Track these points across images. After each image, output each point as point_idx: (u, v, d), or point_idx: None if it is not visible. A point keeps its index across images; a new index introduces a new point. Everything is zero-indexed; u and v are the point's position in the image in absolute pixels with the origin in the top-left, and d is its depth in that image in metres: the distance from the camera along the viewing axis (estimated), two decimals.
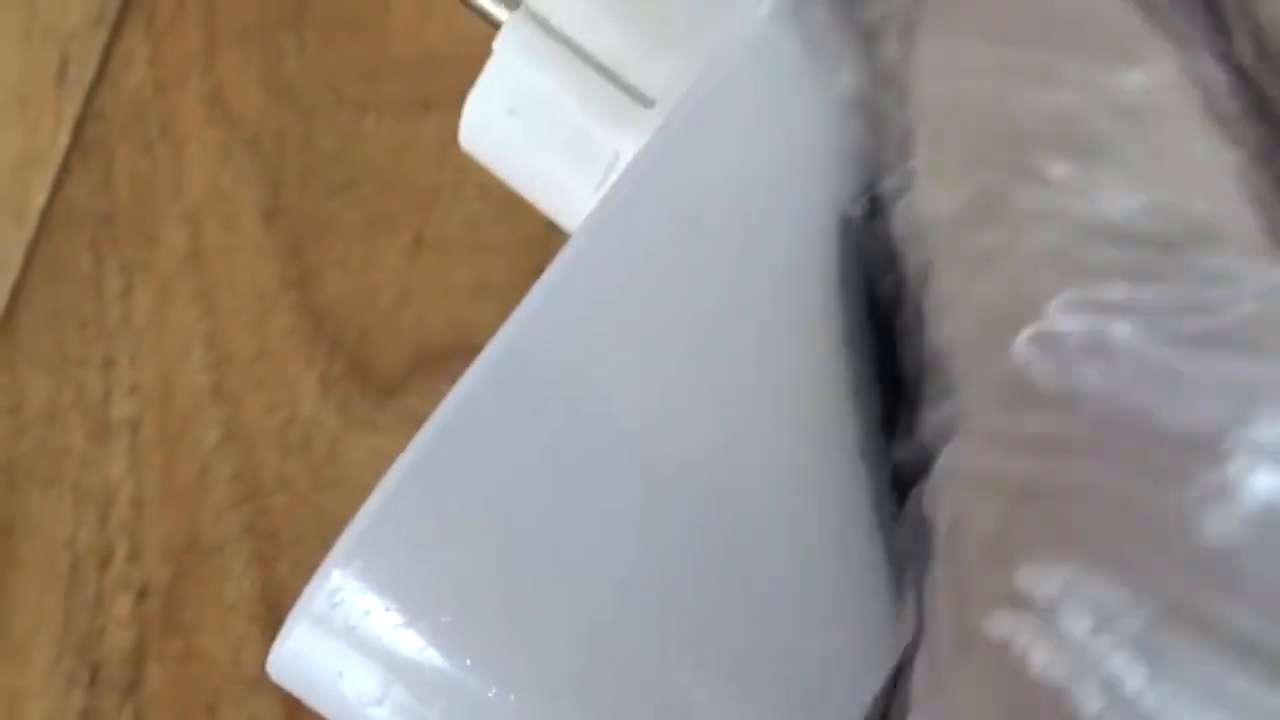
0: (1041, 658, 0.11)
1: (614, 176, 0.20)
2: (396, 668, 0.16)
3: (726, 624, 0.18)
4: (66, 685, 0.27)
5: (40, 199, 0.29)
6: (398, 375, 0.29)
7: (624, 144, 0.20)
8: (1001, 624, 0.11)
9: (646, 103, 0.19)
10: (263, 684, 0.27)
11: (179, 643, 0.27)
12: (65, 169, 0.29)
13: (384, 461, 0.16)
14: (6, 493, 0.28)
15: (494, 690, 0.16)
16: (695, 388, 0.18)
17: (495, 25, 0.20)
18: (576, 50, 0.20)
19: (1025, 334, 0.12)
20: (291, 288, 0.29)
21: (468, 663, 0.16)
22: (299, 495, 0.28)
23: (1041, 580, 0.11)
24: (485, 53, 0.21)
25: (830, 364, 0.18)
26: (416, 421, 0.20)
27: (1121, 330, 0.12)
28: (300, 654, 0.16)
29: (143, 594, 0.28)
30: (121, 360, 0.28)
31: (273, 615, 0.28)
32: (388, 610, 0.16)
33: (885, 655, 0.17)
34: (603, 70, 0.20)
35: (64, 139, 0.29)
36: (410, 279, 0.29)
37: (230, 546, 0.28)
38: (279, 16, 0.30)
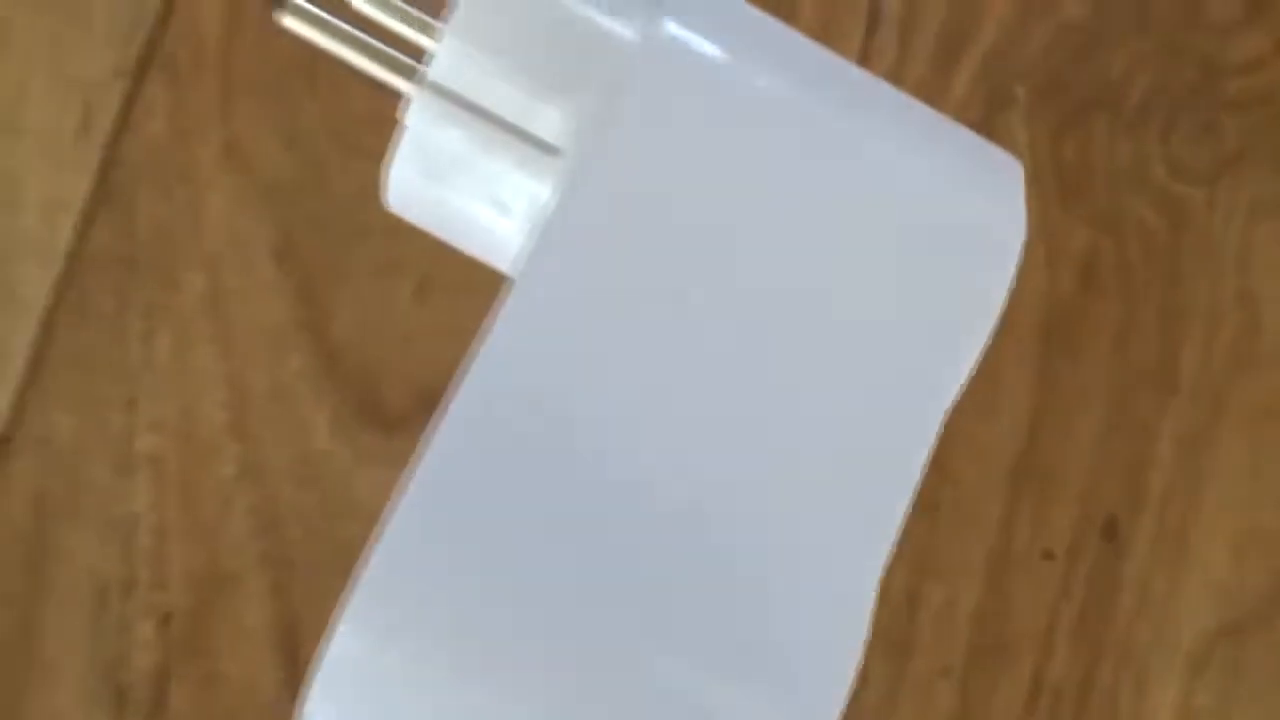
0: None
1: (532, 220, 0.21)
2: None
3: (702, 613, 0.19)
4: (92, 707, 0.29)
5: (65, 243, 0.30)
6: (405, 411, 0.30)
7: (539, 189, 0.21)
8: None
9: (551, 150, 0.21)
10: (279, 705, 0.29)
11: (200, 666, 0.29)
12: (89, 214, 0.30)
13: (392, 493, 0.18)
14: (37, 525, 0.29)
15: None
16: (652, 404, 0.19)
17: (398, 96, 0.22)
18: (479, 111, 0.21)
19: None
20: (304, 329, 0.30)
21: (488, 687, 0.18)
22: (313, 526, 0.30)
23: None
24: None
25: (798, 354, 0.20)
26: None
27: None
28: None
29: (166, 620, 0.29)
30: (143, 399, 0.30)
31: (289, 641, 0.29)
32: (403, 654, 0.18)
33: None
34: (505, 125, 0.21)
35: (88, 184, 0.31)
36: (417, 321, 0.31)
37: (248, 575, 0.29)
38: (293, 68, 0.31)
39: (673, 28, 0.20)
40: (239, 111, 0.31)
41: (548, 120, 0.21)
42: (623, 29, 0.21)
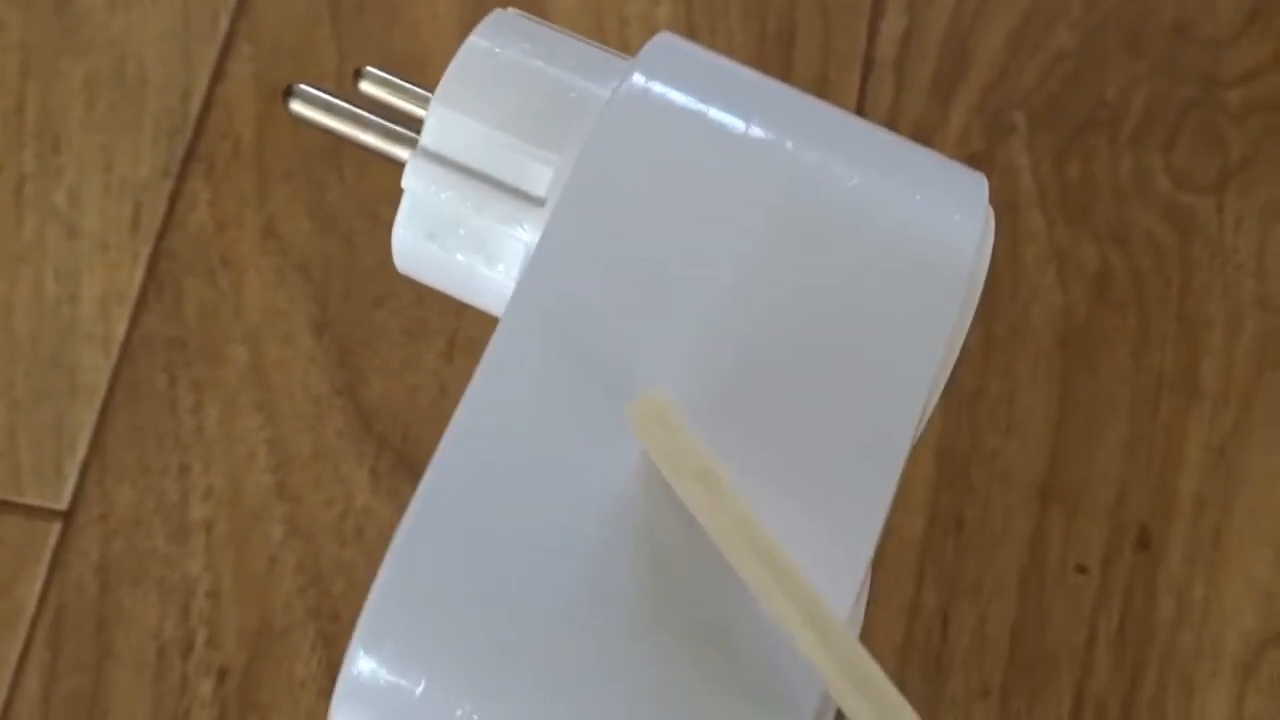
0: None
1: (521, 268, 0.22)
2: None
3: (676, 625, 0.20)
4: None
5: (121, 330, 0.33)
6: None
7: (530, 239, 0.22)
8: None
9: (537, 201, 0.22)
10: None
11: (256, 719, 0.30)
12: (141, 302, 0.33)
13: None
14: (100, 592, 0.31)
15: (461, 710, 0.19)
16: (621, 431, 0.20)
17: (400, 164, 0.23)
18: (468, 172, 0.23)
19: None
20: (341, 393, 0.32)
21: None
22: (357, 580, 0.31)
23: None
24: None
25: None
26: None
27: None
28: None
29: (222, 676, 0.31)
30: (195, 468, 0.32)
31: None
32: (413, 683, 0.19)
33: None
34: (494, 183, 0.23)
35: (139, 276, 0.33)
36: (446, 378, 0.32)
37: (298, 629, 0.31)
38: (320, 154, 0.34)
39: (639, 81, 0.22)
40: (272, 198, 0.33)
41: (537, 175, 0.23)
42: (597, 88, 0.23)
